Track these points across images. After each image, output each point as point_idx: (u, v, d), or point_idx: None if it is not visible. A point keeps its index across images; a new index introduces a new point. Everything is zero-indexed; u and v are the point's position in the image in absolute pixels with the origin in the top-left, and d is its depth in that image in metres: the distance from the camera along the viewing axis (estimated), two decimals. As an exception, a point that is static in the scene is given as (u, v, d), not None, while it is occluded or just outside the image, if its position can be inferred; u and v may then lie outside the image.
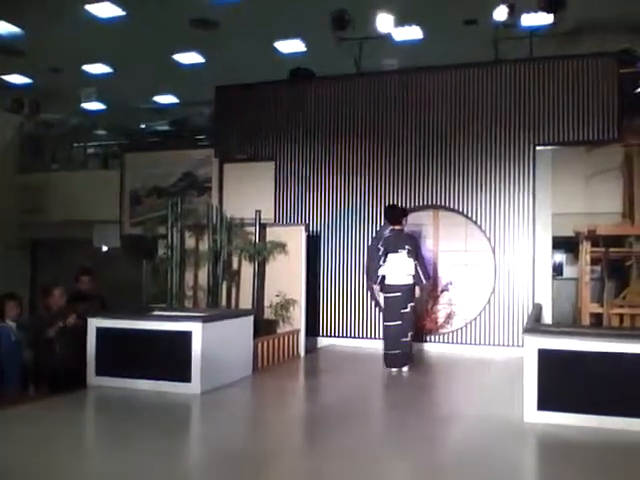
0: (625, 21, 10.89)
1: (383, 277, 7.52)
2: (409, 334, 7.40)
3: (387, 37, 10.34)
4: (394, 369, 7.32)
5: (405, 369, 7.34)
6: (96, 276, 7.93)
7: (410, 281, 7.44)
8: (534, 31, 9.64)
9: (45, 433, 4.67)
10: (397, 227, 7.71)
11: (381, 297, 7.81)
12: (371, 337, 8.99)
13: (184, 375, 5.86)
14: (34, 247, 13.84)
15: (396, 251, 7.50)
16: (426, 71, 9.25)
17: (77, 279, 8.09)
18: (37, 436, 4.58)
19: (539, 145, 8.68)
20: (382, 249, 7.56)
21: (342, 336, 9.19)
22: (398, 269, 7.44)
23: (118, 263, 11.72)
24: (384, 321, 7.62)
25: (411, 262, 7.45)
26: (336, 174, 9.45)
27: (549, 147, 8.75)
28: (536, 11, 9.65)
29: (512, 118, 8.73)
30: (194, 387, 5.85)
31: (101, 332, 6.19)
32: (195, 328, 5.91)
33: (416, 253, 7.55)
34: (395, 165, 9.18)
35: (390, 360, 7.35)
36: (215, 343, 6.09)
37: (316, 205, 9.54)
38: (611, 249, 8.47)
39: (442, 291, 9.05)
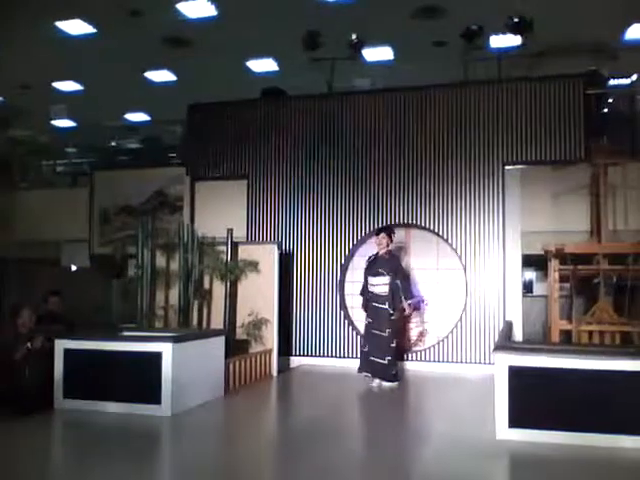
0: (591, 43, 11.17)
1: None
2: (385, 357, 7.37)
3: (358, 57, 10.44)
4: (374, 384, 7.40)
5: (384, 384, 7.38)
6: (64, 297, 7.80)
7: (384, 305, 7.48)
8: (502, 53, 9.82)
9: (8, 458, 4.55)
10: (378, 248, 7.81)
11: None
12: (344, 356, 8.97)
13: (154, 397, 5.78)
14: (1, 267, 13.56)
15: (373, 275, 7.63)
16: (397, 91, 9.35)
17: (46, 300, 7.97)
18: None
19: (508, 164, 8.82)
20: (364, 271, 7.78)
21: (315, 355, 9.16)
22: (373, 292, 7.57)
23: (87, 283, 11.53)
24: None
25: (386, 286, 7.48)
26: (309, 192, 9.47)
27: (518, 166, 8.88)
28: (504, 33, 9.83)
29: (481, 138, 8.86)
30: (164, 409, 5.76)
31: (69, 354, 6.08)
32: (165, 349, 5.83)
33: (395, 275, 7.50)
34: (367, 183, 9.23)
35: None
36: (186, 364, 6.02)
37: (289, 223, 9.53)
38: (579, 267, 8.58)
39: (414, 309, 9.06)
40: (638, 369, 4.82)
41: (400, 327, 8.84)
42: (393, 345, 7.47)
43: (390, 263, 7.62)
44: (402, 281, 7.52)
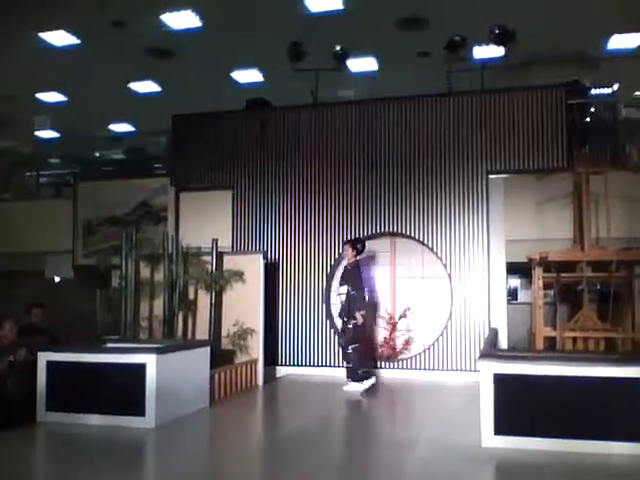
0: (572, 53, 11.32)
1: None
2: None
3: (343, 68, 10.49)
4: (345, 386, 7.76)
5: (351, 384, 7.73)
6: (48, 308, 7.74)
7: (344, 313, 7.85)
8: (486, 63, 9.90)
9: (-10, 473, 4.49)
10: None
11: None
12: (330, 365, 8.95)
13: (138, 409, 5.72)
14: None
15: (339, 285, 8.08)
16: (381, 102, 9.40)
17: (28, 312, 7.91)
18: (-18, 476, 4.39)
19: (492, 174, 8.88)
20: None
21: (301, 365, 9.13)
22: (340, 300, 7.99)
23: (71, 294, 11.43)
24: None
25: (344, 296, 7.86)
26: (294, 202, 9.48)
27: (502, 175, 8.95)
28: (487, 44, 9.93)
29: (466, 147, 8.93)
30: (148, 421, 5.71)
31: (52, 366, 6.00)
32: (149, 360, 5.78)
33: (352, 285, 7.81)
34: (353, 193, 9.25)
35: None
36: (170, 375, 5.97)
37: (274, 233, 9.52)
38: (563, 274, 8.65)
39: (400, 317, 9.09)
40: (622, 375, 4.85)
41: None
42: (355, 346, 7.72)
43: (350, 274, 7.93)
44: (357, 292, 7.75)
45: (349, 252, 8.01)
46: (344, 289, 7.87)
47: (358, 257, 8.04)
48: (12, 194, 14.03)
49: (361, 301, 7.77)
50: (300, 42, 9.79)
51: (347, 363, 7.87)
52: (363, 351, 7.92)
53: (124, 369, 5.86)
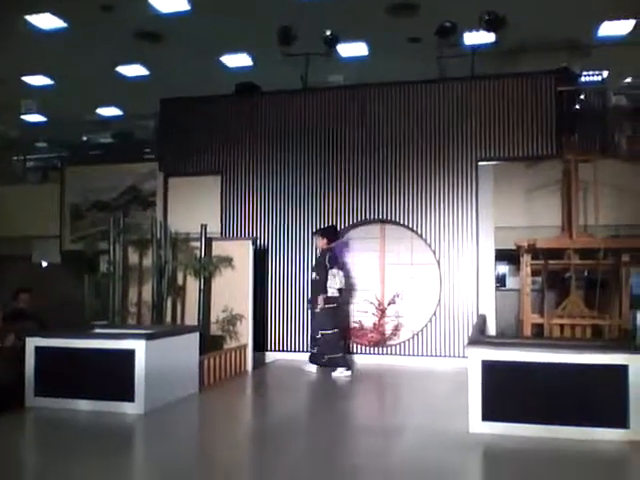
0: (563, 40, 11.31)
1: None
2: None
3: (333, 53, 10.43)
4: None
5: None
6: (35, 294, 7.69)
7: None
8: (476, 49, 9.88)
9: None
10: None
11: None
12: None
13: (127, 394, 5.72)
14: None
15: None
16: (371, 87, 9.36)
17: (16, 297, 7.86)
18: (-30, 462, 4.38)
19: (481, 160, 8.88)
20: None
21: (291, 350, 9.15)
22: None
23: (58, 280, 11.36)
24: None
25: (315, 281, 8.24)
26: (283, 188, 9.44)
27: (491, 162, 8.96)
28: (478, 30, 9.90)
29: (455, 134, 8.92)
30: (137, 407, 5.71)
31: (40, 351, 5.98)
32: (138, 346, 5.77)
33: (318, 271, 8.19)
34: (342, 179, 9.24)
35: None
36: (159, 361, 5.96)
37: (263, 219, 9.50)
38: (551, 261, 8.70)
39: (389, 304, 9.11)
40: (609, 362, 4.90)
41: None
42: (325, 332, 7.99)
43: (318, 260, 8.35)
44: (321, 277, 8.10)
45: (319, 241, 8.38)
46: (314, 275, 8.30)
47: (332, 244, 8.34)
48: (-1, 178, 13.89)
49: (323, 286, 8.00)
50: (290, 26, 9.72)
51: (312, 349, 8.24)
52: (337, 337, 8.06)
53: (113, 355, 5.84)
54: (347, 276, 8.87)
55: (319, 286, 8.05)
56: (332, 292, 8.06)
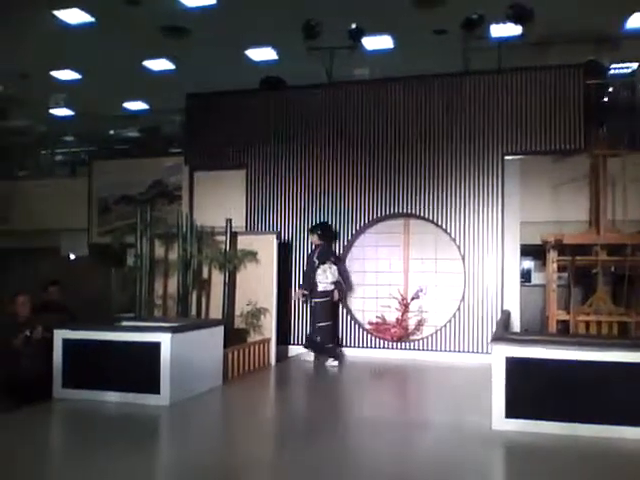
0: (591, 32, 11.12)
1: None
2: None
3: (358, 46, 10.39)
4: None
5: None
6: (63, 286, 7.81)
7: None
8: (503, 42, 9.76)
9: (6, 448, 4.58)
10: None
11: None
12: (342, 345, 8.99)
13: (153, 386, 5.79)
14: (0, 256, 13.58)
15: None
16: (397, 81, 9.30)
17: (45, 289, 7.99)
18: None
19: (508, 155, 8.79)
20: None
21: (313, 344, 9.17)
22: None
23: (86, 272, 11.54)
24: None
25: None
26: (308, 182, 9.46)
27: (517, 157, 8.87)
28: (505, 22, 9.78)
29: (481, 128, 8.84)
30: (163, 399, 5.78)
31: (68, 343, 6.08)
32: (164, 339, 5.85)
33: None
34: (366, 174, 9.22)
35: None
36: (184, 353, 6.03)
37: (288, 213, 9.52)
38: (577, 257, 8.60)
39: (412, 298, 9.09)
40: (635, 360, 4.84)
41: (397, 317, 8.91)
42: (320, 324, 8.39)
43: (308, 255, 8.85)
44: (306, 270, 8.72)
45: (311, 237, 8.83)
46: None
47: (322, 241, 8.68)
48: (28, 172, 14.12)
49: (304, 279, 8.66)
50: (315, 20, 9.70)
51: (309, 336, 8.62)
52: (329, 329, 8.41)
53: (139, 347, 5.92)
54: (346, 270, 9.10)
55: (303, 279, 8.69)
56: (324, 287, 8.42)
